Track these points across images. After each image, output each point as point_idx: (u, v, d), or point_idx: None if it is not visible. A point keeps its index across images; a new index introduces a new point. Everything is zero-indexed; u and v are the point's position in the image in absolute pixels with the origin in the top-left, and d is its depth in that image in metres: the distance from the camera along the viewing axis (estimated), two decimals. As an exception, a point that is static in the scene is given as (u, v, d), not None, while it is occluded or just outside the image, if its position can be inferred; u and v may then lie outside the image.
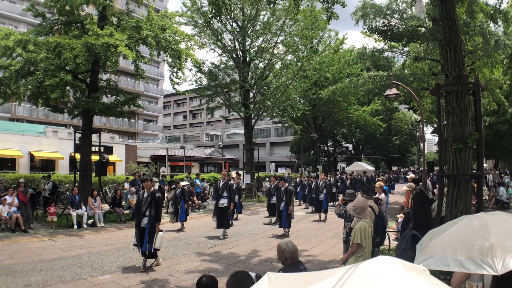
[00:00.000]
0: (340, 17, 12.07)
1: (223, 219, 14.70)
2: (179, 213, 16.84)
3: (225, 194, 14.88)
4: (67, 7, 19.41)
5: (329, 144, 58.45)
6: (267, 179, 36.47)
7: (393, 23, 22.75)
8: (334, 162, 57.90)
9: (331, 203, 23.72)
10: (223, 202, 14.75)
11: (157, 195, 10.38)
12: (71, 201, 17.26)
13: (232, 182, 16.26)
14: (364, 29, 23.54)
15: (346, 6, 11.52)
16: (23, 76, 18.25)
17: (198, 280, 3.92)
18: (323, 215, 19.90)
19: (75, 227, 16.65)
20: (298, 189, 26.50)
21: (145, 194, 10.42)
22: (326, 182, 21.25)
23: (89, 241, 14.03)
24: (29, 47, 17.27)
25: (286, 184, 15.88)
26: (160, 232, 10.13)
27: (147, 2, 22.06)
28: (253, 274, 3.73)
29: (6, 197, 15.96)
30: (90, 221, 17.01)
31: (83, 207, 17.34)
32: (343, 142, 61.30)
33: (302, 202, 26.05)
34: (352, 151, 61.43)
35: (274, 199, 17.58)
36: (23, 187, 17.25)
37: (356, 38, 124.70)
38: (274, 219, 18.08)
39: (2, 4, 49.52)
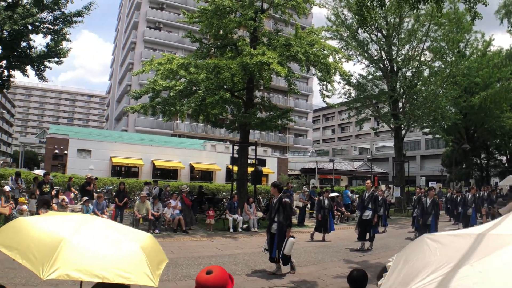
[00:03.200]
0: (484, 17, 11.65)
1: (366, 231, 14.54)
2: (328, 224, 16.87)
3: (370, 206, 14.70)
4: (221, 32, 20.99)
5: (482, 156, 54.54)
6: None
7: None
8: (487, 176, 53.95)
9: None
10: (368, 214, 14.59)
11: (283, 200, 10.38)
12: (229, 207, 18.72)
13: (377, 193, 15.75)
14: (508, 27, 22.06)
15: (488, 4, 11.01)
16: (186, 96, 20.08)
17: (350, 273, 4.45)
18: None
19: (231, 230, 17.95)
20: (448, 205, 25.18)
21: (274, 200, 10.69)
22: (475, 196, 19.97)
23: (243, 243, 15.08)
24: (190, 69, 18.71)
25: (433, 197, 15.25)
26: (290, 238, 10.15)
27: (293, 21, 22.95)
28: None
29: (171, 201, 17.90)
30: (245, 226, 18.20)
31: (239, 213, 18.66)
32: (496, 154, 56.74)
33: (450, 218, 24.63)
34: (506, 164, 56.64)
35: (415, 213, 17.11)
36: (187, 192, 19.02)
37: (504, 39, 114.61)
38: (416, 233, 17.21)
39: (159, 33, 54.82)
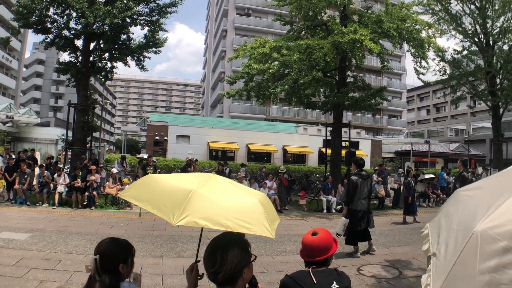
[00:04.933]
0: None
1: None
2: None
3: (456, 186, 14.26)
4: (310, 13, 21.00)
5: None
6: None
7: None
8: None
9: None
10: None
11: (347, 179, 10.45)
12: (323, 188, 18.90)
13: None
14: None
15: None
16: (279, 78, 20.43)
17: None
18: None
19: (325, 211, 18.22)
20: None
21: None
22: None
23: (336, 223, 15.23)
24: (283, 51, 19.05)
25: None
26: (342, 218, 10.19)
27: (383, -3, 22.51)
28: None
29: (266, 181, 18.50)
30: (338, 207, 18.20)
31: (333, 194, 18.81)
32: None
33: None
34: None
35: None
36: (283, 174, 19.40)
37: None
38: None
39: (249, 20, 55.65)
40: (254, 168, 25.83)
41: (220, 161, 24.15)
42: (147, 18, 21.58)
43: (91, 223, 12.57)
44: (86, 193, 16.03)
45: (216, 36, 65.14)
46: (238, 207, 2.81)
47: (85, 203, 15.85)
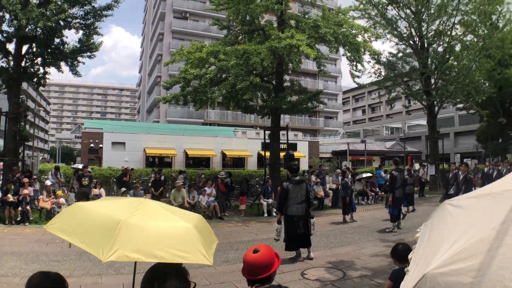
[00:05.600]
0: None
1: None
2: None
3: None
4: (248, 17, 21.01)
5: (519, 130, 53.26)
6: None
7: None
8: (525, 150, 52.76)
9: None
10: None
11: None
12: (263, 192, 18.86)
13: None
14: None
15: None
16: (216, 83, 20.25)
17: (394, 247, 4.55)
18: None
19: (265, 215, 18.12)
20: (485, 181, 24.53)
21: None
22: (510, 170, 19.09)
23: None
24: (220, 56, 18.87)
25: (466, 171, 14.83)
26: (275, 224, 10.26)
27: (320, 3, 22.83)
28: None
29: (206, 188, 18.19)
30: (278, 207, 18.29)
31: (273, 197, 18.68)
32: (534, 128, 55.33)
33: None
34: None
35: (452, 190, 16.40)
36: (223, 179, 19.21)
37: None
38: None
39: (186, 23, 55.25)
40: (193, 174, 25.45)
41: (155, 169, 23.72)
42: (81, 21, 20.78)
43: (26, 241, 11.91)
44: (20, 208, 15.20)
45: (153, 40, 64.17)
46: (172, 235, 2.63)
47: (18, 219, 15.00)
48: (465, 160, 50.14)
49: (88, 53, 21.45)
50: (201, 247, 2.63)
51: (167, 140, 36.57)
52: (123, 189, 17.61)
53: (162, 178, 20.62)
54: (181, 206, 16.85)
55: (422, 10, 28.23)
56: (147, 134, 36.94)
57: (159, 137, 36.71)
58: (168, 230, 2.69)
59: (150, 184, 20.52)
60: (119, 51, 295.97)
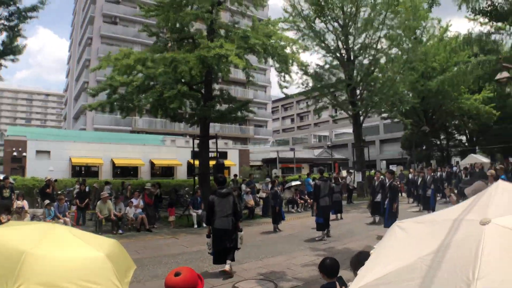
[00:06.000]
0: (442, 4, 11.91)
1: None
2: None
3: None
4: (178, 25, 20.74)
5: (442, 137, 55.76)
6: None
7: (496, 4, 21.68)
8: (447, 156, 55.30)
9: (445, 199, 23.02)
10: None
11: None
12: (193, 202, 18.58)
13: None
14: (468, 12, 22.66)
15: None
16: (144, 91, 19.83)
17: (322, 261, 4.44)
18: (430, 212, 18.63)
19: (195, 226, 17.88)
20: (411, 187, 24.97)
21: None
22: (433, 177, 20.07)
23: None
24: (148, 64, 18.41)
25: (392, 179, 14.98)
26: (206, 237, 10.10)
27: (250, 13, 22.93)
28: None
29: (132, 200, 17.72)
30: (206, 220, 18.09)
31: (203, 208, 18.45)
32: (456, 135, 58.22)
33: (410, 201, 24.69)
34: (466, 144, 58.25)
35: (379, 197, 16.64)
36: (149, 191, 18.75)
37: (460, 24, 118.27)
38: (378, 218, 17.28)
39: (116, 28, 53.90)
40: (120, 184, 24.74)
41: (79, 179, 22.87)
42: (5, 22, 19.81)
43: None
44: None
45: (81, 44, 61.94)
46: (83, 265, 2.43)
47: None
48: (390, 167, 51.94)
49: (11, 56, 20.47)
50: (113, 277, 2.45)
51: (94, 149, 35.34)
52: (47, 201, 16.81)
53: (87, 189, 19.94)
54: (108, 218, 16.36)
55: (349, 23, 28.99)
56: (73, 143, 35.57)
57: (85, 146, 35.41)
58: (77, 260, 2.49)
59: (75, 196, 19.73)
60: (46, 55, 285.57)
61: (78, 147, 34.87)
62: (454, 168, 33.34)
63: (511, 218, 2.21)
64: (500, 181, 2.73)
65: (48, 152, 34.19)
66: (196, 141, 22.54)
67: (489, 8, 21.43)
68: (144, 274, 9.60)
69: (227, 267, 9.47)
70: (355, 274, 3.69)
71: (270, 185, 19.72)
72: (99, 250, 2.61)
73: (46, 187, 18.92)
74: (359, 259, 3.86)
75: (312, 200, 22.61)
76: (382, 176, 17.58)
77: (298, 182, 24.15)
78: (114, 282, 2.42)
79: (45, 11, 23.53)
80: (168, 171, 39.77)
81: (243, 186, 23.22)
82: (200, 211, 18.21)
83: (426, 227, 2.59)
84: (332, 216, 16.89)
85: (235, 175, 28.24)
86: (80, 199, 18.42)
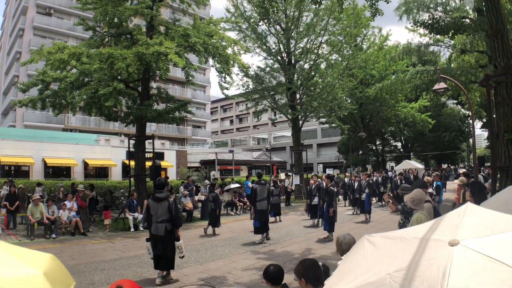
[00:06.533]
0: (384, 13, 12.06)
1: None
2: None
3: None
4: (116, 20, 20.04)
5: (378, 143, 57.57)
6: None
7: (437, 16, 22.49)
8: (383, 161, 57.13)
9: (381, 203, 23.51)
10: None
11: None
12: (128, 205, 17.96)
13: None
14: (409, 23, 23.40)
15: (390, 1, 11.48)
16: (78, 88, 18.97)
17: (266, 269, 4.23)
18: (367, 216, 18.88)
19: (132, 229, 17.33)
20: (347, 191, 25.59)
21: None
22: (368, 182, 20.39)
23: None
24: (82, 59, 17.78)
25: (329, 184, 15.10)
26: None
27: (192, 11, 22.60)
28: (320, 263, 3.95)
29: (66, 202, 16.94)
30: (145, 224, 17.60)
31: (139, 211, 17.94)
32: (391, 141, 60.30)
33: (347, 204, 25.22)
34: (401, 150, 60.41)
35: (315, 200, 16.94)
36: (82, 193, 17.98)
37: (400, 34, 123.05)
38: (316, 221, 17.48)
39: (50, 20, 51.75)
40: (52, 185, 23.66)
41: (8, 180, 21.66)
42: None
43: None
44: None
45: (12, 35, 59.03)
46: (16, 285, 2.09)
47: None
48: (327, 170, 52.85)
49: None
50: (52, 299, 2.11)
51: (24, 147, 33.67)
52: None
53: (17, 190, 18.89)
54: (40, 222, 15.54)
55: (292, 27, 29.25)
56: (1, 140, 33.81)
57: (15, 144, 33.65)
58: (10, 280, 2.14)
59: (4, 198, 18.57)
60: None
61: (6, 145, 33.04)
62: (390, 173, 34.34)
63: (479, 241, 2.29)
64: (468, 203, 2.78)
65: (-27, 149, 32.32)
66: (132, 141, 21.94)
67: (430, 21, 22.16)
68: (81, 281, 9.08)
69: (157, 280, 9.08)
70: (299, 281, 3.56)
71: (209, 188, 19.37)
72: (35, 268, 2.27)
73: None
74: (304, 266, 3.74)
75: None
76: (319, 179, 17.72)
77: (237, 185, 24.00)
78: (53, 304, 2.10)
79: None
80: (102, 171, 38.54)
81: (181, 188, 22.81)
82: (136, 214, 17.69)
83: (395, 243, 2.63)
84: (271, 219, 16.90)
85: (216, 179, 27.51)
86: (9, 201, 17.40)
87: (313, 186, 17.72)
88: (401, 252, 2.43)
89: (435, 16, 22.53)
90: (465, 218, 2.54)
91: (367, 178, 20.86)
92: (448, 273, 2.08)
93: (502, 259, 2.11)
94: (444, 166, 65.25)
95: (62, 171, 35.84)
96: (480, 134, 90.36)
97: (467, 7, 19.98)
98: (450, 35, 22.86)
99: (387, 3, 11.45)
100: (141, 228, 17.30)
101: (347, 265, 2.74)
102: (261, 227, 14.09)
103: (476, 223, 2.51)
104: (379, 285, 2.23)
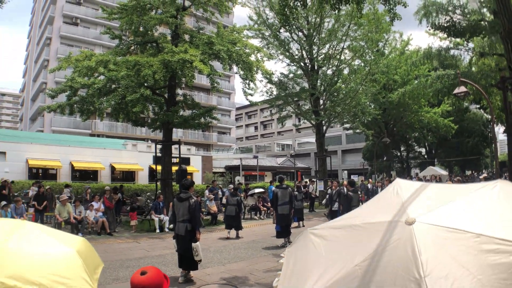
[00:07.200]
0: (403, 18, 12.14)
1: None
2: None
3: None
4: (141, 29, 20.53)
5: (402, 149, 57.07)
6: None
7: (455, 19, 22.41)
8: (407, 167, 56.58)
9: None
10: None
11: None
12: (155, 207, 18.38)
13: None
14: (427, 27, 23.35)
15: (408, 6, 11.53)
16: (105, 94, 19.46)
17: None
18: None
19: (157, 231, 17.74)
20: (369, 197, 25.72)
21: None
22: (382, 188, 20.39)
23: (171, 243, 14.73)
24: (110, 66, 18.20)
25: (350, 189, 14.89)
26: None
27: (215, 19, 22.97)
28: None
29: (93, 203, 17.40)
30: (171, 226, 17.95)
31: (165, 213, 18.38)
32: (416, 147, 59.67)
33: None
34: (425, 156, 59.71)
35: (336, 206, 16.89)
36: (109, 194, 18.46)
37: (421, 38, 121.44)
38: None
39: (76, 29, 52.85)
40: (79, 187, 24.28)
41: (37, 181, 22.26)
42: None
43: None
44: None
45: (40, 44, 60.46)
46: (53, 260, 2.41)
47: None
48: (352, 177, 52.61)
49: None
50: (83, 273, 2.44)
51: (52, 151, 34.51)
52: (3, 202, 16.34)
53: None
54: (67, 221, 16.04)
55: (314, 34, 29.38)
56: (30, 144, 34.67)
57: (43, 148, 34.53)
58: (47, 255, 2.47)
59: (32, 198, 19.20)
60: (1, 53, 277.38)
61: (35, 148, 33.97)
62: (414, 179, 34.06)
63: (433, 214, 2.32)
64: (397, 179, 2.81)
65: (4, 153, 33.21)
66: (159, 146, 22.36)
67: (447, 24, 22.07)
68: (106, 277, 9.44)
69: (180, 279, 9.36)
70: None
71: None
72: (70, 246, 2.59)
73: (2, 188, 18.38)
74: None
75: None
76: (340, 186, 17.67)
77: (261, 190, 24.23)
78: (84, 278, 2.41)
79: (3, 9, 22.63)
80: (129, 175, 39.17)
81: (206, 192, 23.13)
82: (162, 216, 18.09)
83: (347, 232, 2.59)
84: (294, 224, 17.04)
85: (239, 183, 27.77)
86: (38, 201, 17.99)
87: (334, 192, 17.73)
88: (358, 241, 2.43)
89: (453, 19, 22.44)
90: (404, 195, 2.55)
91: (388, 184, 20.78)
92: (417, 251, 2.11)
93: (461, 227, 2.17)
94: (468, 172, 64.14)
95: (89, 175, 36.61)
96: (503, 139, 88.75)
97: (471, 6, 19.91)
98: (466, 38, 22.73)
99: (405, 7, 11.54)
100: (167, 230, 17.71)
101: (301, 263, 2.67)
102: (283, 231, 14.23)
103: (421, 198, 2.52)
104: (351, 279, 2.22)
